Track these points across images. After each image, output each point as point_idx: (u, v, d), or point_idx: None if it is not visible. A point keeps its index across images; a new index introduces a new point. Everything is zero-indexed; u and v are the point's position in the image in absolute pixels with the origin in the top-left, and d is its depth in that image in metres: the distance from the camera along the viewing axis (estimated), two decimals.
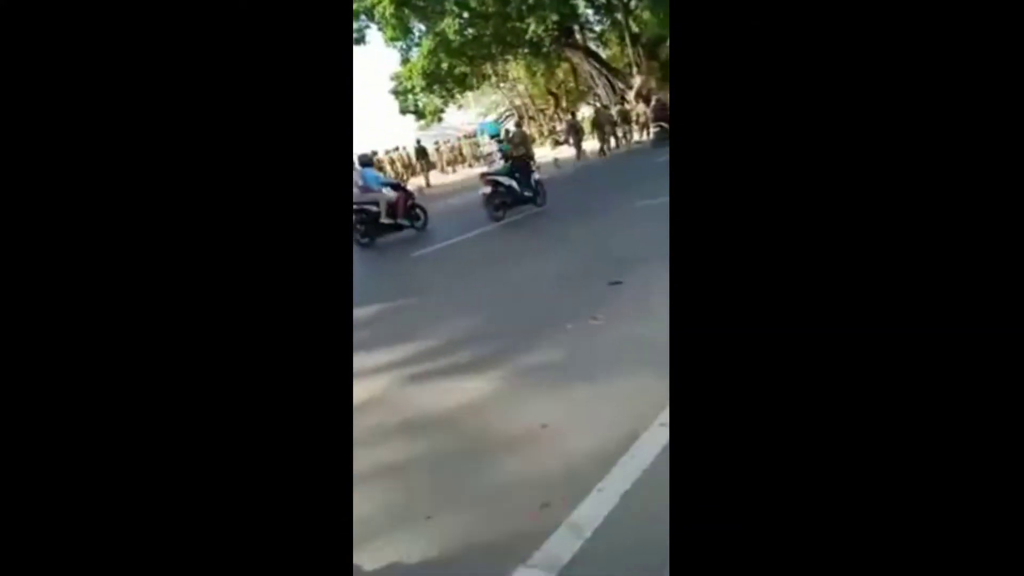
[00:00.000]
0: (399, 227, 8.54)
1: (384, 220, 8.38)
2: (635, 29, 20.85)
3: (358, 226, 8.20)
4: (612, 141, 16.51)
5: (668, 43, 19.04)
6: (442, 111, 24.31)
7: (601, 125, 16.68)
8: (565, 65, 24.24)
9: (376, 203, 8.37)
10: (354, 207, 8.25)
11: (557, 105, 27.48)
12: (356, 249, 8.13)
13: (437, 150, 24.58)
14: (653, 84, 19.58)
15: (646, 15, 20.42)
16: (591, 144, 17.18)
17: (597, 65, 22.03)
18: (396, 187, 8.93)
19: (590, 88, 23.71)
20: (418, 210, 8.84)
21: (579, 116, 19.50)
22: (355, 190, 8.39)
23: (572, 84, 25.80)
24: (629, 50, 20.65)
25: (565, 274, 4.86)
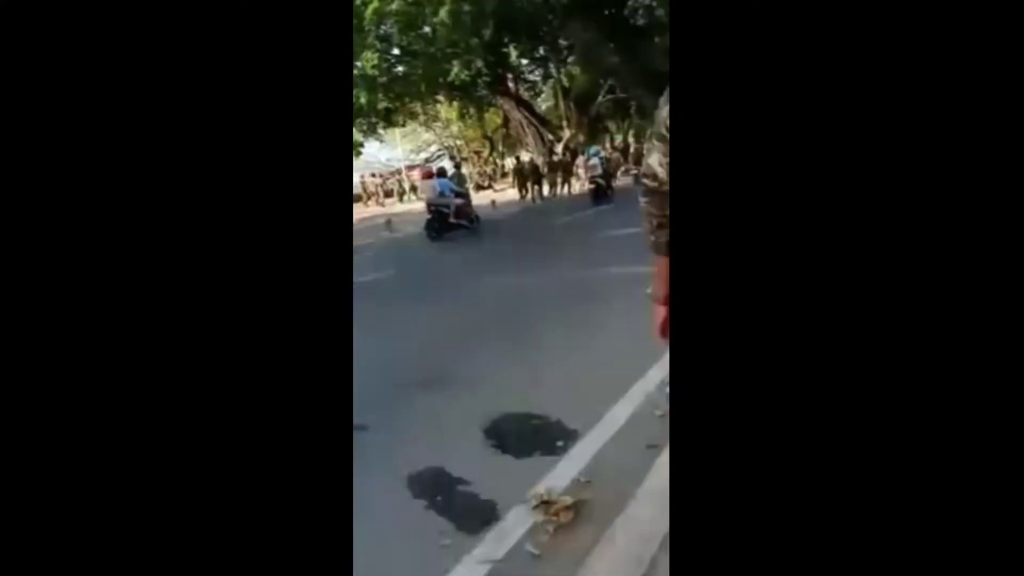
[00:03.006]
0: (459, 226, 10.23)
1: (452, 220, 10.11)
2: (566, 83, 21.36)
3: (433, 223, 10.08)
4: (537, 190, 16.67)
5: (597, 101, 20.45)
6: (361, 145, 24.71)
7: (524, 175, 16.86)
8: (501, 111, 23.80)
9: (448, 206, 10.24)
10: (431, 208, 10.14)
11: (493, 150, 27.44)
12: (428, 242, 9.85)
13: (362, 182, 25.54)
14: (581, 139, 20.30)
15: (576, 70, 21.20)
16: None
17: (527, 115, 22.05)
18: (460, 195, 10.76)
19: (518, 137, 23.44)
20: (473, 214, 10.62)
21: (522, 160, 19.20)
22: (433, 194, 10.34)
23: (507, 130, 25.17)
24: (560, 103, 21.14)
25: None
